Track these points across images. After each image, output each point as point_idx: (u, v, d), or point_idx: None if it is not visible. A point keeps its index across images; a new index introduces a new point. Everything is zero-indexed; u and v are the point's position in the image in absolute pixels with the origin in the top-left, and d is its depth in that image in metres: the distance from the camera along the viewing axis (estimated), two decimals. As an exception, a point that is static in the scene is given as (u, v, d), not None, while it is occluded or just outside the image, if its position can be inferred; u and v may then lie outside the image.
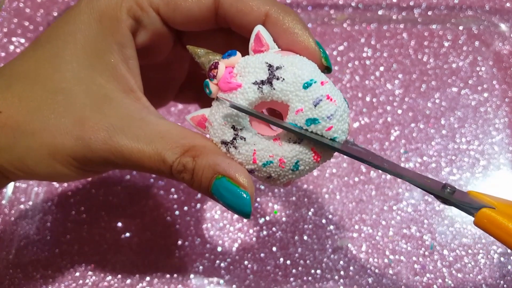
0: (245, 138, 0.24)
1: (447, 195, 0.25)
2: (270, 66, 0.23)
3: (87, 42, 0.24)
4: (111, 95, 0.24)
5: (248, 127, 0.24)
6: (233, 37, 0.27)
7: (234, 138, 0.24)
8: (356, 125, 0.42)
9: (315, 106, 0.23)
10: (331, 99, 0.23)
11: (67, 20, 0.25)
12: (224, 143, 0.24)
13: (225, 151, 0.24)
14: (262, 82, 0.23)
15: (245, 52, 0.25)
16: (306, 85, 0.23)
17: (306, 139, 0.23)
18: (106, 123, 0.23)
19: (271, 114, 0.27)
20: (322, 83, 0.23)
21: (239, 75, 0.23)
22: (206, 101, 0.32)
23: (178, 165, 0.23)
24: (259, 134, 0.24)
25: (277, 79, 0.23)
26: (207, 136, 0.25)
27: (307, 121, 0.23)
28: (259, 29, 0.24)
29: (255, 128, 0.24)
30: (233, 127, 0.24)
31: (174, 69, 0.31)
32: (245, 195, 0.22)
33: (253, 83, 0.23)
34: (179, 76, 0.32)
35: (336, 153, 0.25)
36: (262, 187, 0.39)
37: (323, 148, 0.24)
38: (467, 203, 0.25)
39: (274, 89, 0.23)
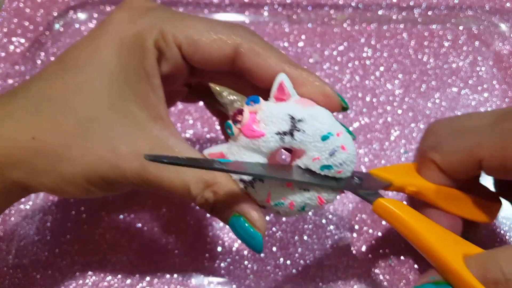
0: (263, 181, 0.25)
1: (355, 185, 0.28)
2: (292, 118, 0.25)
3: (117, 69, 0.25)
4: (143, 123, 0.25)
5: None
6: (242, 80, 0.28)
7: (254, 179, 0.25)
8: (356, 125, 0.42)
9: (331, 155, 0.25)
10: (344, 148, 0.25)
11: (96, 44, 0.26)
12: (242, 181, 0.25)
13: (242, 187, 0.26)
14: (284, 133, 0.25)
15: (252, 92, 0.27)
16: (324, 137, 0.25)
17: (312, 187, 0.26)
18: (138, 152, 0.24)
19: None
20: (338, 134, 0.25)
21: (263, 122, 0.25)
22: (207, 101, 0.33)
23: (201, 199, 0.25)
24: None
25: (298, 130, 0.25)
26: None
27: (322, 167, 0.26)
28: (283, 79, 0.25)
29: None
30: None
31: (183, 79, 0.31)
32: (259, 237, 0.25)
33: (276, 133, 0.25)
34: (181, 91, 0.33)
35: None
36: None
37: (327, 194, 0.26)
38: (370, 187, 0.28)
39: (294, 139, 0.25)
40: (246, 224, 0.25)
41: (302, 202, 0.26)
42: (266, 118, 0.25)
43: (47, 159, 0.24)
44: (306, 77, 0.26)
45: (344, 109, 0.27)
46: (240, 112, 0.25)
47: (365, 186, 0.28)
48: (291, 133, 0.25)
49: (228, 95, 0.27)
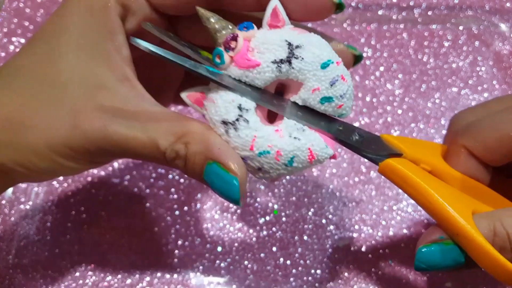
0: (248, 121, 0.23)
1: (355, 142, 0.25)
2: (289, 44, 0.23)
3: (81, 33, 0.24)
4: (107, 84, 0.24)
5: (253, 110, 0.23)
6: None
7: (237, 119, 0.23)
8: (356, 125, 0.42)
9: (331, 85, 0.23)
10: (344, 79, 0.24)
11: (61, 14, 0.25)
12: (224, 122, 0.23)
13: (222, 132, 0.23)
14: (282, 61, 0.23)
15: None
16: (324, 65, 0.23)
17: (304, 136, 0.24)
18: (101, 112, 0.23)
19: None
20: (337, 63, 0.24)
21: (257, 51, 0.23)
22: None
23: (171, 152, 0.23)
24: (261, 122, 0.24)
25: (296, 58, 0.23)
26: (204, 114, 0.24)
27: (322, 99, 0.24)
28: (276, 3, 0.24)
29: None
30: (239, 107, 0.23)
31: (171, 66, 0.31)
32: (234, 181, 0.22)
33: (272, 62, 0.23)
34: (177, 76, 0.32)
35: (335, 155, 0.25)
36: (262, 187, 0.39)
37: (319, 149, 0.24)
38: (377, 150, 0.25)
39: (293, 68, 0.23)
40: (221, 169, 0.22)
41: (290, 152, 0.23)
42: (261, 45, 0.23)
43: (12, 130, 0.24)
44: None
45: (340, 5, 0.24)
46: (234, 38, 0.23)
47: (368, 146, 0.25)
48: (288, 61, 0.23)
49: (218, 21, 0.24)
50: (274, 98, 0.24)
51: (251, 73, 0.23)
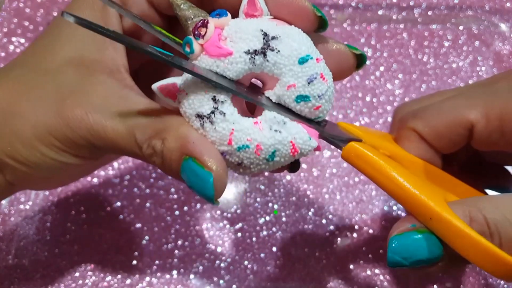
0: (224, 114, 0.21)
1: (320, 127, 0.23)
2: (265, 34, 0.21)
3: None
4: (95, 74, 0.24)
5: (229, 102, 0.22)
6: None
7: (213, 112, 0.21)
8: (356, 125, 0.42)
9: (309, 83, 0.22)
10: (323, 78, 0.22)
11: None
12: (199, 116, 0.21)
13: (198, 127, 0.22)
14: (255, 52, 0.21)
15: None
16: (302, 60, 0.21)
17: (285, 129, 0.22)
18: (84, 101, 0.23)
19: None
20: (317, 60, 0.22)
21: (230, 39, 0.21)
22: None
23: (147, 148, 0.22)
24: (239, 114, 0.22)
25: (272, 50, 0.21)
26: (179, 108, 0.22)
27: (298, 98, 0.22)
28: None
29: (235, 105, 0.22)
30: (214, 99, 0.21)
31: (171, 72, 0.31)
32: (209, 178, 0.21)
33: (245, 52, 0.21)
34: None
35: (332, 150, 0.24)
36: (262, 187, 0.39)
37: (302, 142, 0.22)
38: (337, 136, 0.24)
39: (267, 60, 0.21)
40: (196, 165, 0.21)
41: (271, 146, 0.21)
42: (235, 34, 0.21)
43: (4, 117, 0.24)
44: None
45: (323, 23, 0.23)
46: (204, 24, 0.21)
47: (329, 131, 0.24)
48: (263, 53, 0.21)
49: (189, 8, 0.22)
50: (249, 90, 0.23)
51: (223, 62, 0.21)
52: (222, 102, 0.21)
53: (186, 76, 0.22)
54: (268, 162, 0.22)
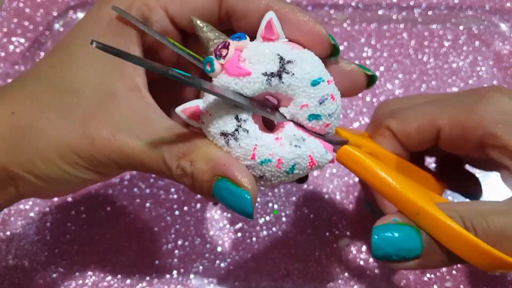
0: (248, 131, 0.23)
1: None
2: (281, 58, 0.23)
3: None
4: (117, 93, 0.24)
5: (250, 120, 0.23)
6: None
7: (236, 130, 0.23)
8: (356, 125, 0.42)
9: (320, 103, 0.24)
10: (333, 99, 0.24)
11: (83, 23, 0.26)
12: (223, 134, 0.23)
13: (223, 144, 0.23)
14: (272, 74, 0.23)
15: None
16: (314, 82, 0.23)
17: (304, 144, 0.24)
18: (109, 122, 0.24)
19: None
20: (328, 82, 0.24)
21: (248, 61, 0.23)
22: None
23: (177, 170, 0.23)
24: (261, 130, 0.24)
25: (287, 73, 0.23)
26: (202, 128, 0.24)
27: (310, 116, 0.24)
28: (272, 16, 0.24)
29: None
30: (236, 118, 0.23)
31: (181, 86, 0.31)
32: (246, 196, 0.22)
33: (263, 74, 0.23)
34: (190, 95, 0.32)
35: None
36: (262, 187, 0.39)
37: (320, 155, 0.24)
38: (329, 139, 0.25)
39: (282, 82, 0.23)
40: (231, 185, 0.22)
41: (291, 160, 0.23)
42: (253, 56, 0.23)
43: (23, 133, 0.24)
44: (298, 14, 0.24)
45: (335, 51, 0.25)
46: (225, 46, 0.23)
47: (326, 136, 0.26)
48: (279, 75, 0.23)
49: (211, 31, 0.24)
50: (267, 106, 0.24)
51: (241, 81, 0.23)
52: (244, 120, 0.23)
53: (208, 99, 0.23)
54: (288, 175, 0.24)
